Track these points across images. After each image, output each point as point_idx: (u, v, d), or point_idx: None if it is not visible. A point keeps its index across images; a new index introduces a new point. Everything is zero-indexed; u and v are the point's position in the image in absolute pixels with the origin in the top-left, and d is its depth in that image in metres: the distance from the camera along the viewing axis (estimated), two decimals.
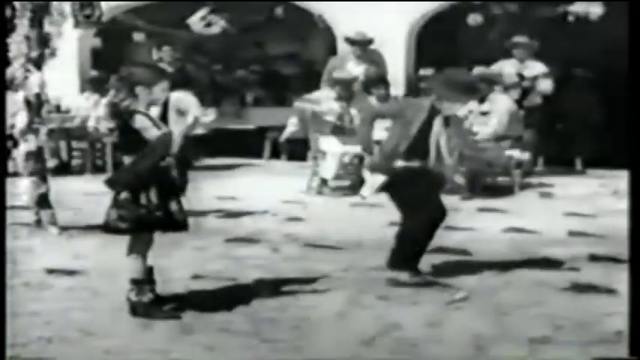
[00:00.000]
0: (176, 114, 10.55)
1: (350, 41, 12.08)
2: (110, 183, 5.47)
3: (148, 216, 5.37)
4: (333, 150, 10.38)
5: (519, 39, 11.73)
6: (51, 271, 6.60)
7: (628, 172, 4.91)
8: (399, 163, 6.37)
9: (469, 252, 7.18)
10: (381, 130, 10.60)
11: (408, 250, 6.37)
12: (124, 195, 5.38)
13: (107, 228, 5.51)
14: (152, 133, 5.36)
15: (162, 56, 12.37)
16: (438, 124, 6.33)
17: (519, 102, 11.33)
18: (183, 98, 11.36)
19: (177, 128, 5.53)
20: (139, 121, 5.38)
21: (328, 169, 10.38)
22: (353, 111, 10.60)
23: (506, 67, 11.59)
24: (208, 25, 13.62)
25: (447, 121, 6.39)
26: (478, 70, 11.01)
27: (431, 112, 6.35)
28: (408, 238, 6.37)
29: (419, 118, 6.32)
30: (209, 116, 5.62)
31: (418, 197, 6.33)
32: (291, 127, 11.68)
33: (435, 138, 6.32)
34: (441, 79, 6.52)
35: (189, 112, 10.82)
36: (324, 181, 10.46)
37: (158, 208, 5.38)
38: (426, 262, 6.90)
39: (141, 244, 5.50)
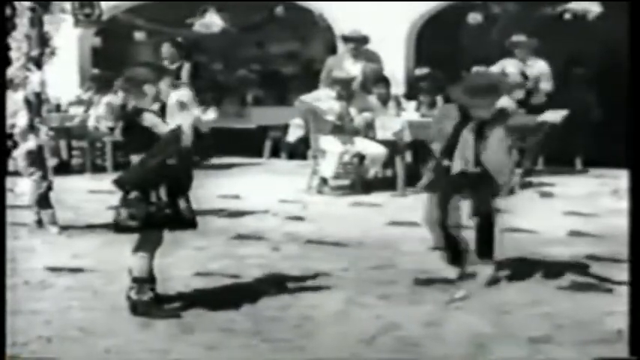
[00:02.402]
0: (177, 108, 10.63)
1: (345, 39, 12.10)
2: (119, 183, 5.48)
3: (158, 213, 5.38)
4: (332, 149, 10.37)
5: (518, 38, 11.73)
6: (51, 271, 6.60)
7: (628, 171, 4.91)
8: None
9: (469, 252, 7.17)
10: (383, 130, 10.68)
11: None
12: (133, 194, 5.39)
13: (117, 227, 5.51)
14: (163, 128, 5.40)
15: (163, 53, 12.38)
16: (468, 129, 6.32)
17: (524, 102, 11.31)
18: (182, 93, 11.42)
19: (182, 122, 5.55)
20: (149, 119, 5.41)
21: (328, 168, 10.37)
22: (353, 110, 10.59)
23: (509, 67, 11.57)
24: (195, 24, 13.66)
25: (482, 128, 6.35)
26: (476, 70, 11.01)
27: (462, 118, 6.34)
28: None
29: (448, 125, 6.37)
30: (210, 115, 5.60)
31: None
32: (298, 128, 11.65)
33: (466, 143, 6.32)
34: (460, 88, 6.42)
35: (190, 106, 10.85)
36: (324, 180, 10.45)
37: (168, 205, 5.40)
38: (427, 262, 6.91)
39: (150, 243, 5.51)
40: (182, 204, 5.49)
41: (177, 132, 5.42)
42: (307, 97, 10.93)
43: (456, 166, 6.33)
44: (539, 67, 11.62)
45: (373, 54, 12.06)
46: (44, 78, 7.99)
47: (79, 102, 12.64)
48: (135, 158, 5.47)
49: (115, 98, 10.71)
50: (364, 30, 11.91)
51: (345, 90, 10.62)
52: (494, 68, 11.50)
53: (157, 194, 5.38)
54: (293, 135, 11.94)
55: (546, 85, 11.60)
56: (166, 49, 12.39)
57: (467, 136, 6.29)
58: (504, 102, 11.03)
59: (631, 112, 4.82)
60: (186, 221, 5.55)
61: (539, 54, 11.70)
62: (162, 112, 5.65)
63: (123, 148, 6.50)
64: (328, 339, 5.20)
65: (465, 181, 6.45)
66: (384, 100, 11.22)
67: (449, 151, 6.33)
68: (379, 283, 6.31)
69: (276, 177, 11.71)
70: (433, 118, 6.74)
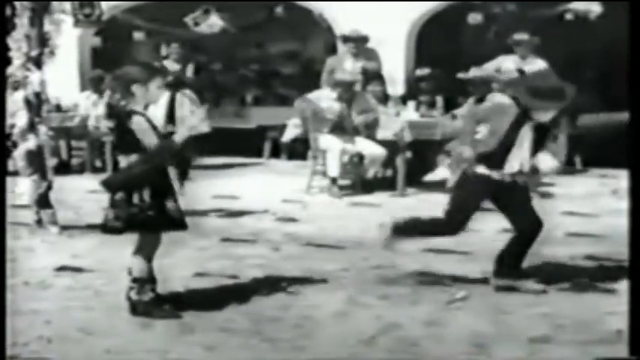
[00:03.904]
0: (181, 116, 10.66)
1: (345, 39, 12.11)
2: (105, 184, 5.49)
3: (140, 215, 5.37)
4: (333, 147, 10.35)
5: (520, 36, 11.70)
6: (51, 271, 6.60)
7: (628, 171, 4.91)
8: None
9: (469, 252, 7.17)
10: (383, 130, 10.67)
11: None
12: (119, 195, 5.39)
13: (104, 228, 5.54)
14: (149, 138, 5.36)
15: (170, 53, 12.42)
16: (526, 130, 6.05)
17: None
18: (187, 99, 11.46)
19: (182, 132, 5.54)
20: (137, 123, 5.38)
21: (333, 167, 10.32)
22: (353, 112, 10.58)
23: (506, 63, 11.55)
24: (195, 24, 13.68)
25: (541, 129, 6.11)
26: (474, 71, 11.00)
27: (519, 118, 6.07)
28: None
29: (504, 124, 6.07)
30: (203, 127, 5.57)
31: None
32: (295, 128, 11.64)
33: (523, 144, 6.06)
34: (523, 87, 6.18)
35: (191, 114, 10.88)
36: (332, 180, 10.39)
37: (150, 207, 5.38)
38: (427, 262, 6.91)
39: (147, 244, 5.50)
40: (170, 205, 5.48)
41: (167, 145, 5.40)
42: (307, 97, 10.92)
43: (512, 167, 6.08)
44: (538, 65, 11.60)
45: (372, 52, 12.07)
46: (44, 78, 8.00)
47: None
48: (123, 159, 5.47)
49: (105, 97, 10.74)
50: (364, 30, 11.92)
51: (347, 92, 10.61)
52: (491, 64, 11.49)
53: (140, 196, 5.37)
54: (288, 135, 11.95)
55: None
56: (175, 49, 12.42)
57: (525, 137, 6.04)
58: (499, 98, 11.08)
59: (631, 113, 4.82)
60: (174, 222, 5.53)
61: (539, 53, 11.68)
62: (170, 116, 5.65)
63: (113, 148, 6.51)
64: (328, 339, 5.19)
65: (507, 188, 6.16)
66: (379, 98, 11.23)
67: (504, 151, 6.06)
68: (379, 284, 6.31)
69: (275, 177, 11.72)
70: (481, 112, 6.43)
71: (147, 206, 5.38)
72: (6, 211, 6.23)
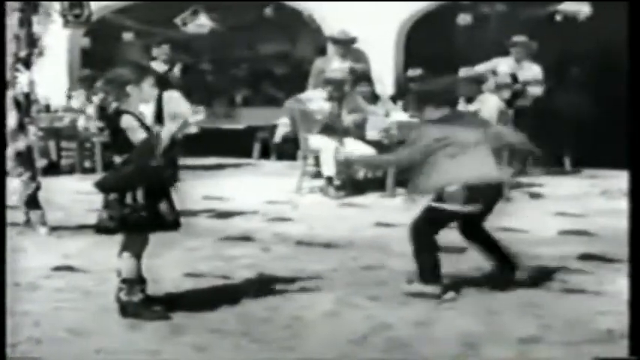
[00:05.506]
0: (170, 113, 10.63)
1: (333, 40, 12.10)
2: (99, 185, 5.49)
3: (131, 215, 5.37)
4: (325, 146, 10.32)
5: (519, 38, 11.68)
6: (40, 271, 6.58)
7: (627, 172, 4.92)
8: None
9: (461, 252, 7.17)
10: (372, 130, 10.67)
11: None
12: (112, 195, 5.39)
13: (98, 228, 5.53)
14: (138, 135, 5.36)
15: (159, 54, 12.42)
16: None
17: (509, 102, 11.34)
18: (175, 98, 11.45)
19: (169, 127, 5.51)
20: (126, 122, 5.38)
21: (327, 167, 10.28)
22: (343, 112, 10.58)
23: (501, 66, 11.58)
24: (184, 24, 13.69)
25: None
26: (464, 71, 11.02)
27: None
28: None
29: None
30: (199, 115, 5.56)
31: None
32: (284, 127, 11.63)
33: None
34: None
35: (179, 113, 10.87)
36: (329, 180, 10.35)
37: (144, 208, 5.38)
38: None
39: (135, 244, 5.50)
40: (163, 206, 5.47)
41: (151, 140, 5.39)
42: (298, 98, 10.92)
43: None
44: (533, 71, 11.60)
45: (360, 53, 12.07)
46: (33, 78, 7.97)
47: (69, 109, 12.60)
48: (118, 159, 5.47)
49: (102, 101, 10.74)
50: (353, 30, 11.91)
51: (337, 91, 10.60)
52: (487, 66, 11.52)
53: (133, 196, 5.36)
54: (278, 134, 11.93)
55: (536, 90, 11.58)
56: (164, 50, 12.42)
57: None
58: (494, 101, 11.16)
59: (630, 113, 4.83)
60: (167, 223, 5.52)
61: (535, 58, 11.67)
62: (159, 116, 5.63)
63: (107, 149, 6.55)
64: (318, 339, 5.19)
65: None
66: (368, 99, 11.24)
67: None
68: (369, 284, 6.31)
69: (265, 178, 11.71)
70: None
71: (140, 207, 5.38)
72: (6, 211, 6.21)
